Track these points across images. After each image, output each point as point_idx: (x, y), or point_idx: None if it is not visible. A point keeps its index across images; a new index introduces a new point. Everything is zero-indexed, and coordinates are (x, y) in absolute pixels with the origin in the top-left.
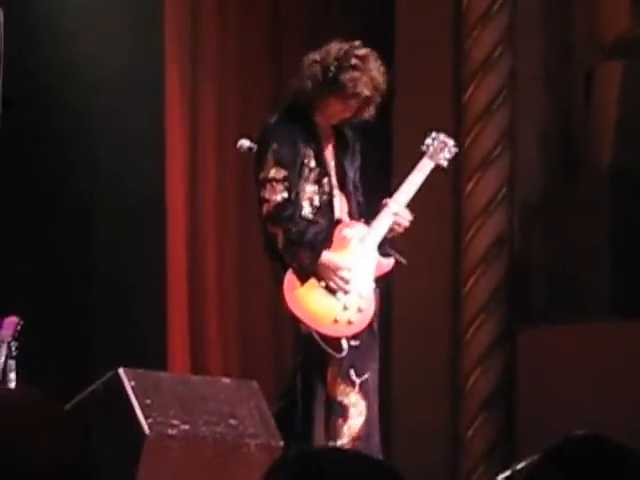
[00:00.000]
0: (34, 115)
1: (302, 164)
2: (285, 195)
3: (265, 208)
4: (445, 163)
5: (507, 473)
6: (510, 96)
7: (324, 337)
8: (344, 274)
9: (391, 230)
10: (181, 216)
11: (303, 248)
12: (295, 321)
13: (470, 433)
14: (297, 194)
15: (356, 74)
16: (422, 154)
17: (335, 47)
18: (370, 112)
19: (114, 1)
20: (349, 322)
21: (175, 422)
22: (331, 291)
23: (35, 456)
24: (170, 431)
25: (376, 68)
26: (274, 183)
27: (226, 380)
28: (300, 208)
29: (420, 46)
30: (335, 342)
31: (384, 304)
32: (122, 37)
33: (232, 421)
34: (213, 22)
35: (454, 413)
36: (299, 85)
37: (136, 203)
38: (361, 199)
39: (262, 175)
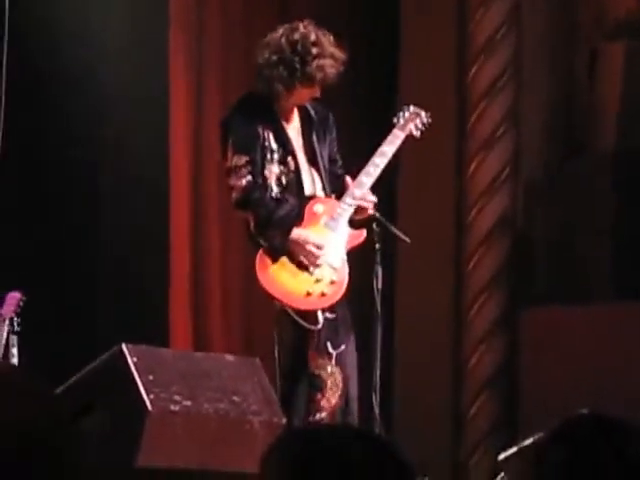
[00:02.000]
0: (37, 108)
1: (263, 146)
2: (249, 178)
3: (233, 194)
4: (417, 133)
5: (509, 452)
6: (514, 76)
7: (299, 311)
8: (314, 249)
9: (360, 211)
10: (185, 198)
11: (273, 228)
12: (269, 299)
13: (472, 412)
14: (263, 176)
15: (321, 62)
16: (392, 125)
17: (284, 40)
18: (333, 81)
19: None
20: (322, 294)
21: (177, 398)
22: (303, 266)
23: (14, 436)
24: (173, 407)
25: (330, 44)
26: (237, 170)
27: (229, 357)
28: (269, 189)
29: (424, 26)
30: (310, 315)
31: (387, 283)
32: (127, 33)
33: (235, 398)
34: (218, 11)
35: (456, 392)
36: (265, 88)
37: (141, 183)
38: (340, 172)
39: (227, 165)
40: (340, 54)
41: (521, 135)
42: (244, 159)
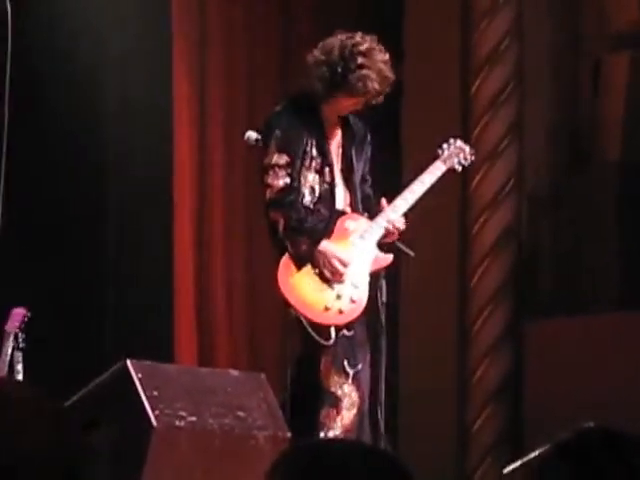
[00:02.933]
0: (40, 111)
1: (304, 152)
2: (287, 181)
3: (268, 194)
4: (459, 168)
5: (514, 466)
6: (518, 88)
7: (313, 324)
8: (339, 264)
9: (386, 235)
10: (188, 205)
11: (302, 235)
12: (286, 306)
13: (478, 425)
14: (299, 182)
15: (364, 72)
16: (436, 157)
17: (337, 44)
18: (378, 100)
19: None
20: (340, 311)
21: (183, 414)
22: (325, 279)
23: (22, 449)
24: (178, 423)
25: (381, 60)
26: (277, 169)
27: (234, 372)
28: (301, 196)
29: (429, 37)
30: (324, 330)
31: (392, 296)
32: (130, 26)
33: (240, 413)
34: (220, 16)
35: (462, 405)
36: (306, 86)
37: (144, 196)
38: (369, 191)
39: (266, 161)
40: (389, 74)
41: (525, 147)
42: (285, 159)
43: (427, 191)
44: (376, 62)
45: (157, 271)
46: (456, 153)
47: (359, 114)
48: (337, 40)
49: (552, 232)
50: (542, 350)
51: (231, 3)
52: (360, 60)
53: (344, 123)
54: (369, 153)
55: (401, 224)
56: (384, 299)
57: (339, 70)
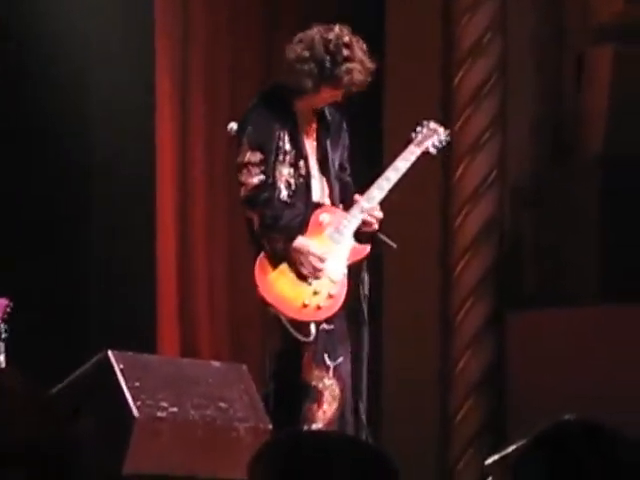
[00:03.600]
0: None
1: (277, 147)
2: (262, 177)
3: (242, 192)
4: (434, 150)
5: (496, 457)
6: (500, 81)
7: (292, 321)
8: (315, 260)
9: (366, 224)
10: (171, 200)
11: (277, 232)
12: (264, 304)
13: (460, 417)
14: (273, 177)
15: (350, 65)
16: (409, 141)
17: (318, 37)
18: (352, 90)
19: None
20: (318, 307)
21: (164, 405)
22: (302, 276)
23: (13, 439)
24: (159, 414)
25: (362, 51)
26: (250, 167)
27: (216, 363)
28: (278, 191)
29: (410, 29)
30: (304, 326)
31: (374, 288)
32: (112, 17)
33: (221, 404)
34: (203, 15)
35: (444, 397)
36: (292, 82)
37: (127, 190)
38: (348, 179)
39: (239, 159)
40: (369, 64)
41: (508, 139)
42: (258, 156)
43: (402, 177)
44: (358, 53)
45: (140, 265)
46: (430, 135)
47: (335, 104)
48: (316, 33)
49: (534, 224)
50: (524, 342)
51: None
52: (345, 52)
53: (318, 114)
54: (346, 141)
55: (378, 213)
56: (366, 292)
57: (327, 64)
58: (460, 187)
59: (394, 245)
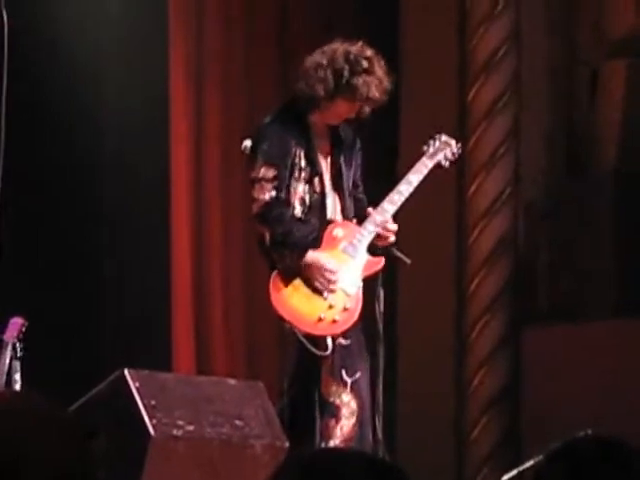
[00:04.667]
0: (40, 113)
1: (293, 163)
2: (273, 194)
3: (254, 208)
4: (446, 163)
5: (512, 474)
6: (514, 96)
7: (308, 336)
8: (328, 274)
9: (381, 238)
10: (186, 215)
11: (288, 249)
12: (280, 320)
13: (475, 433)
14: (288, 193)
15: (368, 78)
16: (422, 154)
17: (341, 49)
18: (367, 111)
19: None
20: (333, 321)
21: (180, 423)
22: (317, 290)
23: (36, 460)
24: (175, 432)
25: (382, 69)
26: (263, 182)
27: (231, 381)
28: (292, 208)
29: (425, 45)
30: (320, 341)
31: (389, 305)
32: (126, 27)
33: (237, 422)
34: (218, 12)
35: (459, 413)
36: (306, 88)
37: (141, 201)
38: (362, 196)
39: (252, 175)
40: (387, 83)
41: (522, 155)
42: (272, 173)
43: (415, 190)
44: (378, 70)
45: (155, 281)
46: (442, 148)
47: (349, 122)
48: (339, 45)
49: (549, 240)
50: (540, 358)
51: (228, 5)
52: (365, 64)
53: (332, 131)
54: (359, 160)
55: (392, 225)
56: (382, 308)
57: (344, 73)
58: (474, 203)
59: (408, 261)
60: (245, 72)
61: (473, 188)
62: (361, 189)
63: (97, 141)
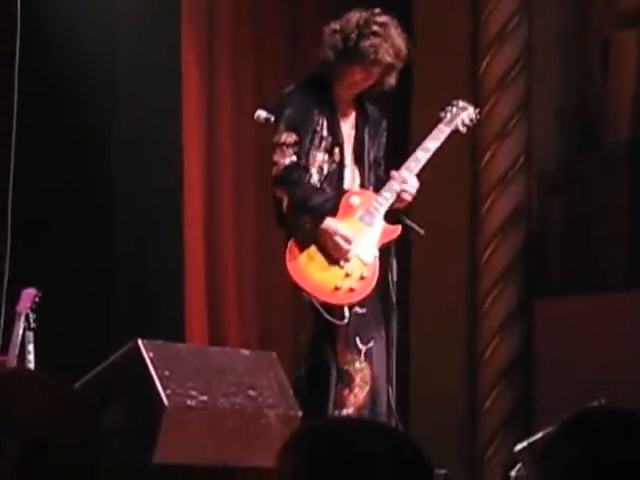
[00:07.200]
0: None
1: (314, 131)
2: (294, 159)
3: (274, 171)
4: (463, 129)
5: (525, 444)
6: (526, 67)
7: (325, 305)
8: (342, 241)
9: (400, 200)
10: (198, 186)
11: (306, 213)
12: (297, 290)
13: (488, 403)
14: (307, 160)
15: (377, 40)
16: (439, 120)
17: (355, 15)
18: (391, 82)
19: None
20: (350, 289)
21: (194, 393)
22: (333, 259)
23: (46, 434)
24: (189, 402)
25: (397, 34)
26: (284, 147)
27: (245, 351)
28: (309, 175)
29: (437, 17)
30: (337, 310)
31: (403, 275)
32: (137, 14)
33: (251, 392)
34: (229, 6)
35: (472, 384)
36: (321, 55)
37: (154, 182)
38: (382, 175)
39: (274, 139)
40: (402, 48)
41: (534, 125)
42: (294, 137)
43: (432, 157)
44: (390, 34)
45: (168, 253)
46: (459, 114)
47: (374, 101)
48: (356, 12)
49: (562, 210)
50: (552, 329)
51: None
52: (374, 28)
53: (358, 105)
54: (383, 139)
55: (411, 187)
56: (395, 278)
57: (352, 37)
58: (487, 173)
59: (422, 231)
60: (254, 47)
61: (486, 159)
62: (382, 168)
63: (110, 119)
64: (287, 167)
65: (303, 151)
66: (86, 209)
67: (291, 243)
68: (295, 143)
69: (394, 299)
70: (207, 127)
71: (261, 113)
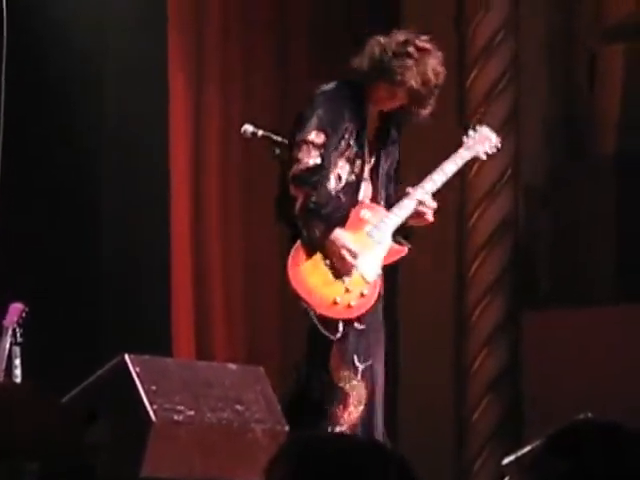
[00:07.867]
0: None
1: (342, 137)
2: (318, 161)
3: (294, 168)
4: (484, 156)
5: (512, 457)
6: (513, 80)
7: (321, 317)
8: (348, 255)
9: (416, 217)
10: (185, 197)
11: (318, 219)
12: (296, 297)
13: (476, 416)
14: (328, 165)
15: (409, 63)
16: (460, 144)
17: (402, 34)
18: (424, 114)
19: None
20: (349, 306)
21: (181, 408)
22: (336, 272)
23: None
24: (176, 417)
25: (432, 64)
26: (311, 146)
27: (232, 366)
28: (327, 180)
29: (424, 30)
30: (332, 323)
31: (389, 288)
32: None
33: (238, 407)
34: (217, 12)
35: (460, 396)
36: (357, 62)
37: (142, 189)
38: (392, 192)
39: (300, 136)
40: (434, 79)
41: (521, 138)
42: (322, 138)
43: (448, 180)
44: (426, 61)
45: (154, 266)
46: (481, 141)
47: (395, 120)
48: (404, 32)
49: (549, 223)
50: (540, 341)
51: (227, 7)
52: (410, 50)
53: (381, 121)
54: (397, 155)
55: (432, 203)
56: (381, 291)
57: (389, 53)
58: (475, 186)
59: (408, 245)
60: (242, 56)
61: (474, 171)
62: (393, 185)
63: (98, 122)
64: (310, 168)
65: (327, 154)
66: (74, 217)
67: (296, 247)
68: (322, 145)
69: (381, 312)
70: (194, 135)
71: (248, 127)
